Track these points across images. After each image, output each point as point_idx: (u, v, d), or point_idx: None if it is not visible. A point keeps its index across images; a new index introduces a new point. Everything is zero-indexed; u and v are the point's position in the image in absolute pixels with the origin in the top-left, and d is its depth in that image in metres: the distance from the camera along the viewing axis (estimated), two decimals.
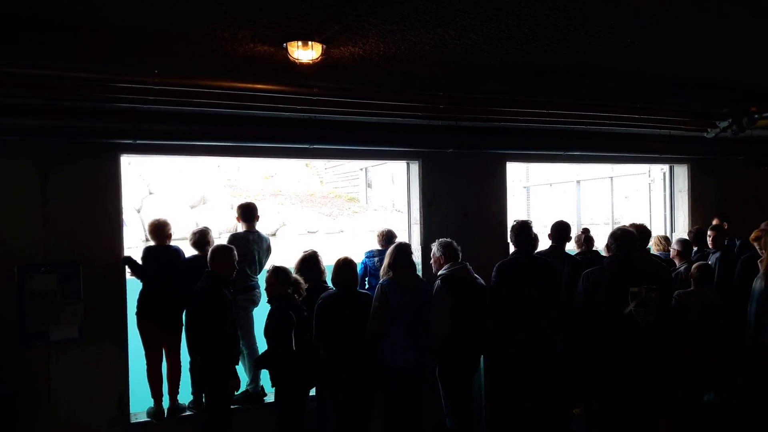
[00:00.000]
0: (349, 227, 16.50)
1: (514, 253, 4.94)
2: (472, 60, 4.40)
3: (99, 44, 3.86)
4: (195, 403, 5.11)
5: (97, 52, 4.06)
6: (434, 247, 4.75)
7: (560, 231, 5.49)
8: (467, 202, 6.13)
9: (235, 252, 4.66)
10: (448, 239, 4.75)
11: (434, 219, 5.99)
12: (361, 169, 18.53)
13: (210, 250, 4.73)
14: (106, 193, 4.84)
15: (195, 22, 3.40)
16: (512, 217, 6.59)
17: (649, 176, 9.85)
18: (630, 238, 4.57)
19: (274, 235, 14.77)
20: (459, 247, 4.71)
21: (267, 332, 4.48)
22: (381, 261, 5.08)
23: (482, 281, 4.69)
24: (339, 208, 17.88)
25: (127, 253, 5.02)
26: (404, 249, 4.60)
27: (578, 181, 13.08)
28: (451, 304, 4.44)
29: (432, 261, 4.76)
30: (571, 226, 5.72)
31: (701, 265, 4.93)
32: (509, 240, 5.05)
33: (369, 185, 18.74)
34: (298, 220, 16.33)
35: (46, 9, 3.22)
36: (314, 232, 16.06)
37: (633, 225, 5.37)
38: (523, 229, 4.88)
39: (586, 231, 6.01)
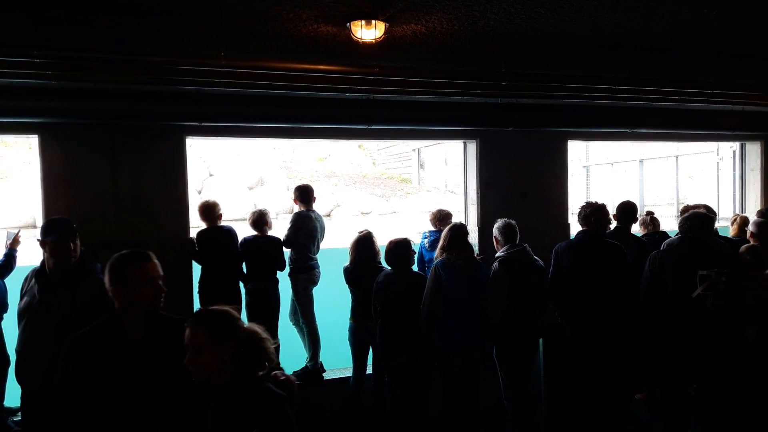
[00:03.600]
0: (401, 208, 16.52)
1: (579, 233, 4.82)
2: (537, 35, 4.28)
3: (168, 28, 3.95)
4: None
5: (166, 36, 4.15)
6: (494, 229, 4.68)
7: (626, 212, 5.32)
8: (526, 182, 6.02)
9: None
10: (507, 220, 4.65)
11: (491, 199, 5.92)
12: (414, 150, 18.45)
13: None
14: (172, 175, 4.99)
15: (262, 2, 3.43)
16: (572, 198, 6.47)
17: (717, 154, 9.42)
18: (701, 220, 4.39)
19: (328, 216, 14.94)
20: (517, 228, 4.61)
21: None
22: (437, 242, 5.06)
23: (541, 263, 4.61)
24: (392, 189, 17.90)
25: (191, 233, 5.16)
26: (460, 230, 4.54)
27: (641, 160, 12.62)
28: (507, 286, 4.39)
29: (495, 243, 4.71)
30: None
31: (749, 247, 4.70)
32: (579, 221, 4.92)
33: (422, 166, 18.66)
34: (352, 201, 16.45)
35: None
36: (367, 214, 16.15)
37: (698, 206, 5.16)
38: (598, 211, 4.74)
39: (650, 213, 5.81)
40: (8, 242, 4.60)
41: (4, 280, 4.57)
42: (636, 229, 5.59)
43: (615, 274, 4.61)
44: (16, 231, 4.80)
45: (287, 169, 17.92)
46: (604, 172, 14.40)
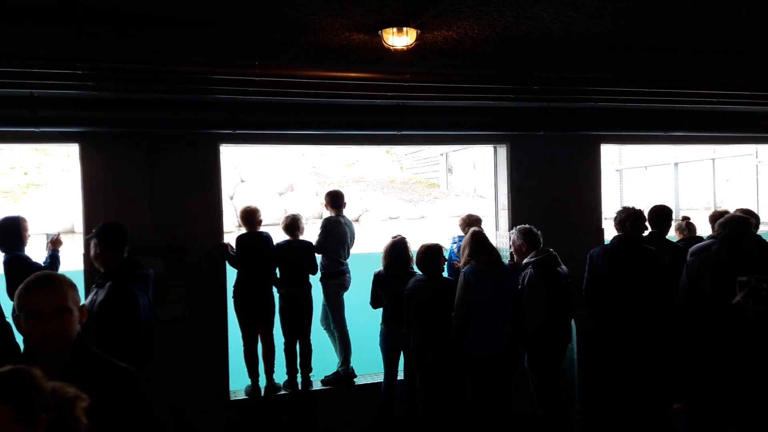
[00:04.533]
0: (429, 213, 16.51)
1: (614, 238, 4.77)
2: (569, 38, 4.25)
3: (205, 39, 4.03)
4: (290, 384, 5.30)
5: (202, 47, 4.24)
6: (514, 235, 4.67)
7: (661, 216, 5.23)
8: (558, 186, 5.96)
9: None
10: (528, 226, 4.66)
11: (522, 204, 5.87)
12: (442, 155, 18.44)
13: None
14: (207, 181, 5.08)
15: (296, 12, 3.48)
16: (605, 202, 6.38)
17: (756, 157, 9.20)
18: (739, 224, 4.29)
19: (357, 221, 15.02)
20: (540, 233, 4.60)
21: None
22: None
23: (566, 268, 4.57)
24: (420, 194, 17.92)
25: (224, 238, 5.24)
26: (481, 236, 4.53)
27: (676, 164, 12.38)
28: (544, 291, 4.36)
29: (512, 249, 4.67)
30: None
31: None
32: (615, 225, 4.86)
33: (450, 170, 18.63)
34: (380, 206, 16.51)
35: (157, 6, 3.39)
36: (396, 218, 16.20)
37: (740, 210, 5.04)
38: (634, 216, 4.68)
39: (686, 218, 5.71)
40: (49, 244, 4.73)
41: None
42: (671, 234, 5.49)
43: (650, 280, 4.54)
44: (56, 233, 4.93)
45: (316, 174, 18.09)
46: (638, 176, 14.15)
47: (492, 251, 4.50)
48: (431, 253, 4.55)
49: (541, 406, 4.57)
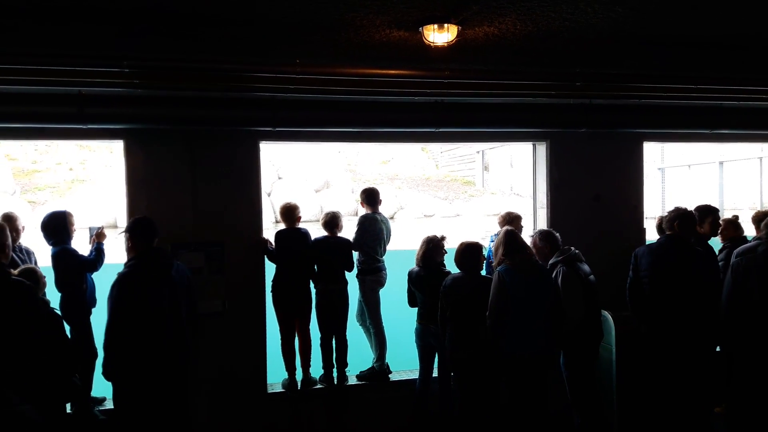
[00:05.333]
0: (465, 211, 16.41)
1: (661, 238, 4.68)
2: (613, 34, 4.18)
3: (247, 37, 4.10)
4: (325, 378, 5.35)
5: (245, 45, 4.30)
6: (535, 238, 4.70)
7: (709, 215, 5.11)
8: (599, 184, 5.86)
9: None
10: (547, 228, 4.76)
11: (562, 202, 5.79)
12: (478, 152, 18.28)
13: None
14: (247, 178, 5.14)
15: (337, 10, 3.50)
16: (647, 201, 6.25)
17: None
18: None
19: (392, 218, 15.03)
20: (558, 235, 4.67)
21: None
22: None
23: (588, 267, 4.57)
24: (455, 192, 17.82)
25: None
26: (514, 234, 4.49)
27: (721, 162, 12.03)
28: (581, 287, 4.34)
29: (534, 250, 4.63)
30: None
31: None
32: (664, 225, 4.77)
33: (486, 168, 18.47)
34: (415, 203, 16.48)
35: (203, 5, 3.45)
36: (431, 216, 16.14)
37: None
38: (683, 217, 4.60)
39: (735, 218, 5.54)
40: (93, 237, 4.86)
41: (93, 276, 4.85)
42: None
43: (698, 282, 4.44)
44: (100, 227, 5.06)
45: (352, 172, 18.15)
46: (681, 175, 13.79)
47: (526, 250, 4.45)
48: (471, 250, 4.53)
49: (576, 407, 4.52)
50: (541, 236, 4.67)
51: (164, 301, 3.81)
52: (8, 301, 3.28)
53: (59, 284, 4.65)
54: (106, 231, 5.11)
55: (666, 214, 4.79)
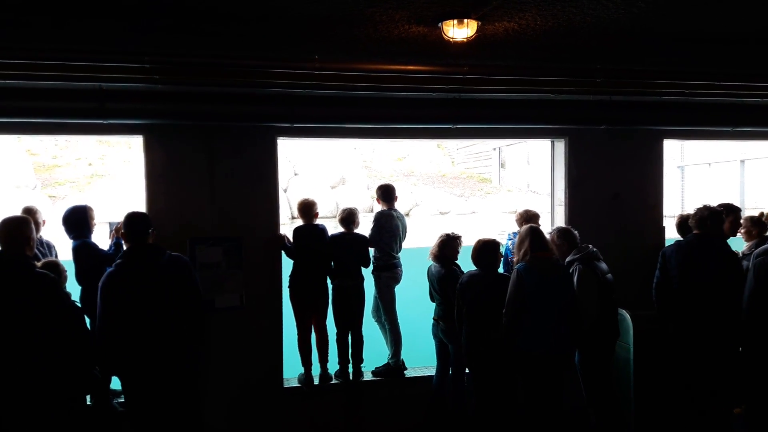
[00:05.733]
0: (481, 208, 16.35)
1: (690, 236, 4.64)
2: (635, 30, 4.12)
3: (266, 33, 4.10)
4: (341, 373, 5.36)
5: (264, 41, 4.30)
6: (553, 234, 4.66)
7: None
8: (617, 182, 5.80)
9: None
10: (565, 226, 4.73)
11: (580, 200, 5.75)
12: (494, 149, 18.20)
13: None
14: (264, 174, 5.16)
15: (357, 5, 3.49)
16: (667, 200, 6.18)
17: None
18: None
19: (407, 215, 15.02)
20: (576, 233, 4.63)
21: None
22: None
23: (605, 265, 4.54)
24: (471, 189, 17.76)
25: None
26: (539, 232, 4.45)
27: (742, 160, 11.85)
28: (597, 286, 4.32)
29: (556, 249, 4.60)
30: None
31: None
32: (691, 223, 4.72)
33: (502, 165, 18.38)
34: (431, 200, 16.45)
35: (223, 1, 3.46)
36: (446, 213, 16.11)
37: None
38: (717, 215, 4.58)
39: (762, 215, 5.45)
40: (113, 232, 4.91)
41: None
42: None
43: (726, 281, 4.39)
44: (119, 222, 5.10)
45: (367, 168, 18.16)
46: (701, 173, 13.61)
47: (548, 248, 4.42)
48: (487, 248, 4.51)
49: (591, 405, 4.49)
50: (559, 233, 4.64)
51: (153, 297, 3.70)
52: (32, 292, 3.34)
53: (79, 277, 4.69)
54: None
55: (693, 211, 4.72)
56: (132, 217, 3.89)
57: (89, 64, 4.29)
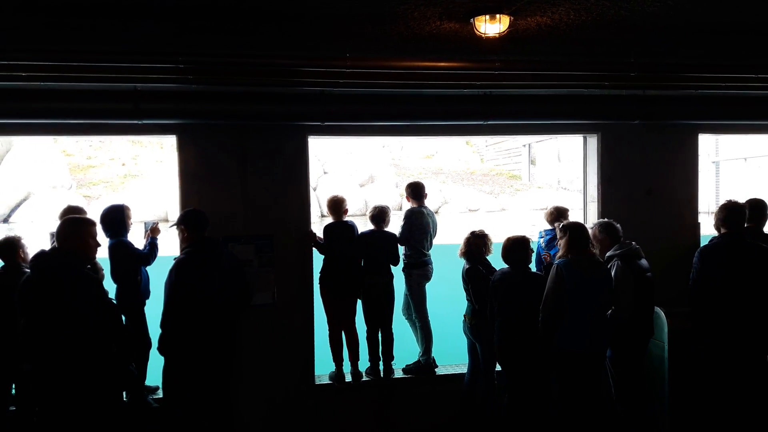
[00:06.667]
0: (510, 205, 16.24)
1: (719, 236, 4.52)
2: (670, 23, 4.04)
3: (298, 32, 4.13)
4: (372, 371, 5.38)
5: (296, 40, 4.34)
6: (595, 229, 4.59)
7: (757, 210, 4.92)
8: (651, 178, 5.71)
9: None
10: (607, 220, 4.63)
11: (613, 196, 5.66)
12: (524, 146, 18.06)
13: None
14: (295, 172, 5.19)
15: (389, 3, 3.49)
16: (702, 195, 6.04)
17: None
18: None
19: (436, 213, 14.99)
20: (619, 227, 4.55)
21: None
22: (553, 240, 4.94)
23: (646, 262, 4.46)
24: (500, 186, 17.65)
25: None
26: (581, 228, 4.39)
27: None
28: (633, 283, 4.26)
29: (596, 243, 4.53)
30: None
31: None
32: (718, 222, 4.60)
33: (532, 162, 18.20)
34: (459, 198, 16.40)
35: (259, 1, 3.50)
36: (475, 210, 16.04)
37: None
38: (736, 210, 4.44)
39: None
40: (148, 232, 5.00)
41: (147, 268, 4.99)
42: None
43: (760, 280, 4.27)
44: (154, 222, 5.20)
45: (396, 166, 18.19)
46: (737, 168, 13.27)
47: (589, 245, 4.36)
48: (519, 245, 4.48)
49: (621, 403, 4.43)
50: (601, 227, 4.57)
51: (215, 286, 4.08)
52: (77, 291, 3.42)
53: (115, 276, 4.80)
54: (158, 225, 5.26)
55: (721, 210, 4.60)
56: (195, 213, 4.26)
57: (125, 65, 4.37)
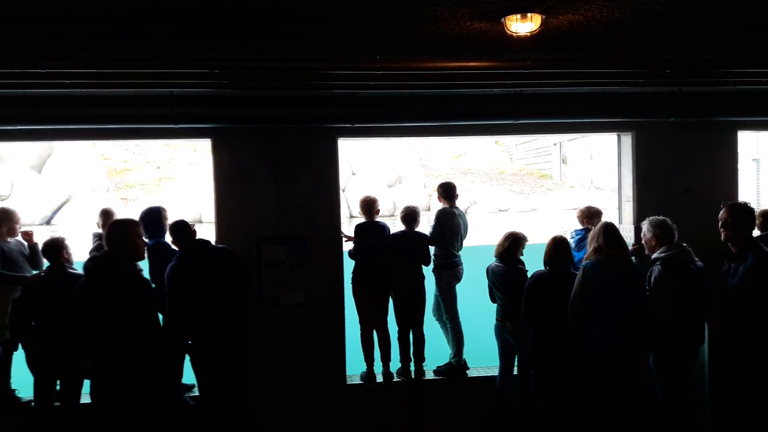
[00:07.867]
0: (541, 205, 16.05)
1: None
2: (706, 18, 3.96)
3: (329, 35, 4.17)
4: (403, 372, 5.38)
5: (327, 43, 4.39)
6: (644, 227, 4.36)
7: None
8: (688, 176, 5.58)
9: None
10: (661, 217, 4.30)
11: (649, 196, 5.55)
12: (555, 144, 17.82)
13: None
14: (326, 174, 5.24)
15: (419, 4, 3.51)
16: (742, 194, 5.88)
17: None
18: None
19: (465, 213, 14.93)
20: (674, 226, 4.27)
21: None
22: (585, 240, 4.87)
23: (701, 264, 4.23)
24: (531, 186, 17.46)
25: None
26: (613, 229, 4.26)
27: None
28: (674, 289, 4.07)
29: (643, 242, 4.39)
30: None
31: None
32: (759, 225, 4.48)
33: (564, 161, 17.96)
34: (489, 198, 16.28)
35: (293, 6, 3.55)
36: (505, 211, 15.90)
37: None
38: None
39: None
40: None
41: None
42: None
43: None
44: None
45: (424, 166, 18.15)
46: None
47: (621, 246, 4.25)
48: (560, 246, 4.41)
49: (665, 407, 4.31)
50: (650, 225, 4.28)
51: (204, 284, 4.32)
52: (132, 294, 3.55)
53: (153, 276, 4.90)
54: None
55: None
56: (175, 226, 4.53)
57: (162, 71, 4.48)
